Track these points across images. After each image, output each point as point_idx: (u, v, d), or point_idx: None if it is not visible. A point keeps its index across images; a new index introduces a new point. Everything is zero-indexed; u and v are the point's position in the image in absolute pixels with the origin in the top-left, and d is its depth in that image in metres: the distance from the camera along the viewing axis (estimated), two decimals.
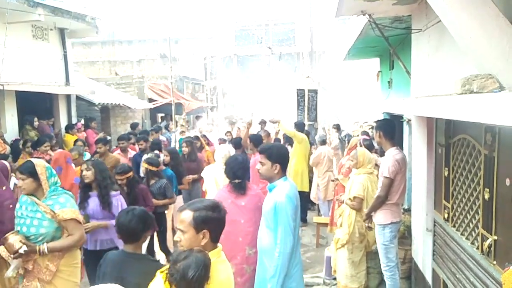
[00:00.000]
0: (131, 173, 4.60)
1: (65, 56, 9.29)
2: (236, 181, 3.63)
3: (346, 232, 4.48)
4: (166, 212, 5.28)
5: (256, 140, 6.03)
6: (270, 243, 3.04)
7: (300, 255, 3.28)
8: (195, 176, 6.29)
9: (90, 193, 3.94)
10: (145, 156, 5.58)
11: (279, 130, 8.56)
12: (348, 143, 6.48)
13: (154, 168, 5.11)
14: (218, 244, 2.08)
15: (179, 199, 5.78)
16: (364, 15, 4.04)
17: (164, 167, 5.60)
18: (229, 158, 4.13)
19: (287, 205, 2.95)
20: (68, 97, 9.56)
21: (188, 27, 23.43)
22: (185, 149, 6.51)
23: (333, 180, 6.60)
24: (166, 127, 12.90)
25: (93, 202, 3.89)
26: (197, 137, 7.92)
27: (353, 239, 4.47)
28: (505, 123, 1.50)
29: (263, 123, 9.92)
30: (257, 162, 3.18)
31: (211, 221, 2.00)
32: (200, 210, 1.99)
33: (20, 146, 6.42)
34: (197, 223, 1.96)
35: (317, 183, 7.26)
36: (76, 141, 7.32)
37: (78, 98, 10.12)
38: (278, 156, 3.08)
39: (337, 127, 12.15)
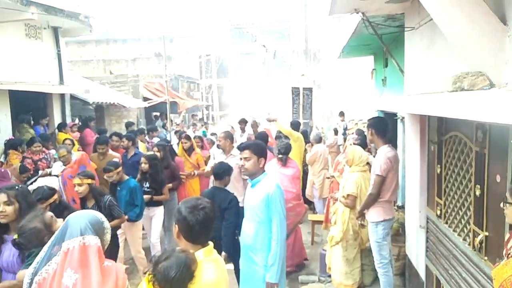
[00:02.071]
0: (55, 197, 3.67)
1: (59, 55, 9.23)
2: (280, 156, 5.18)
3: (340, 229, 4.50)
4: (118, 234, 4.54)
5: (262, 138, 6.20)
6: (257, 236, 3.14)
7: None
8: (169, 185, 5.59)
9: (6, 236, 2.84)
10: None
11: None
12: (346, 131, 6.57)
13: (90, 181, 4.10)
14: (210, 242, 2.08)
15: (160, 210, 5.38)
16: (357, 13, 4.05)
17: (127, 177, 4.88)
18: (278, 140, 6.16)
19: (279, 194, 3.13)
20: (62, 96, 9.49)
21: (183, 26, 23.34)
22: (157, 154, 5.66)
23: (328, 178, 6.62)
24: (163, 126, 12.86)
25: (9, 251, 2.76)
26: (188, 137, 6.97)
27: (347, 236, 4.49)
28: (495, 120, 1.51)
29: (243, 122, 9.36)
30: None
31: (180, 219, 2.01)
32: (181, 204, 2.08)
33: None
34: (174, 215, 2.06)
35: (312, 181, 7.27)
36: (65, 139, 7.17)
37: (72, 97, 10.05)
38: (262, 151, 3.28)
39: (342, 114, 12.24)
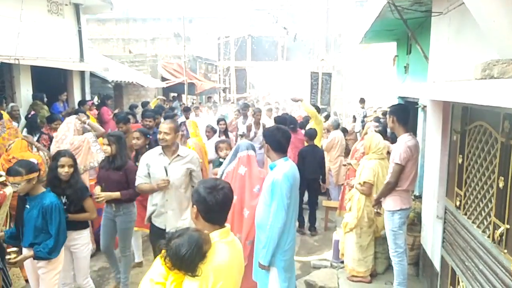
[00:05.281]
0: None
1: (79, 32, 9.30)
2: (292, 126, 6.55)
3: (355, 216, 4.48)
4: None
5: (281, 121, 6.44)
6: (265, 218, 3.23)
7: (295, 233, 3.48)
8: (116, 194, 3.98)
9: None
10: None
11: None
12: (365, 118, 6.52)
13: None
14: (226, 224, 2.05)
15: (84, 238, 3.72)
16: None
17: (43, 189, 3.35)
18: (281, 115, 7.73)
19: (283, 183, 3.15)
20: (82, 73, 9.60)
21: (203, 6, 23.17)
22: (108, 149, 4.11)
23: (345, 165, 6.58)
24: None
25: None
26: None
27: (361, 223, 4.47)
28: None
29: (245, 108, 8.75)
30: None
31: (199, 201, 1.99)
32: (198, 185, 2.07)
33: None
34: (192, 196, 2.06)
35: (328, 167, 7.23)
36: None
37: (92, 75, 10.16)
38: (269, 138, 3.40)
39: (362, 101, 12.09)
